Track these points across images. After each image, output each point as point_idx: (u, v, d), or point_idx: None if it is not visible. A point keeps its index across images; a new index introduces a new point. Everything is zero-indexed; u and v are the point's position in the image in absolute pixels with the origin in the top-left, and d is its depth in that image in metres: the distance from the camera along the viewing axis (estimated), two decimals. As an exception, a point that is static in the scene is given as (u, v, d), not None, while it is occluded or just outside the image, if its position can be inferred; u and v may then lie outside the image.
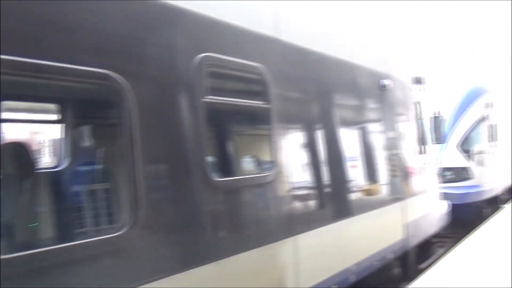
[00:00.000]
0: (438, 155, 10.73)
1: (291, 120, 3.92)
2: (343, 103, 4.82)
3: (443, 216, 7.49)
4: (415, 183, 6.35)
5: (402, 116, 6.22)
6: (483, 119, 11.73)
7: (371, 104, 5.45)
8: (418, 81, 6.94)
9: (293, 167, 3.86)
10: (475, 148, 11.34)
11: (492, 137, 11.68)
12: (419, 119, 6.88)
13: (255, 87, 3.61)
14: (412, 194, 6.16)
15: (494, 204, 12.16)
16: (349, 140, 4.82)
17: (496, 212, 11.36)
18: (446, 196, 9.98)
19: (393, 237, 5.56)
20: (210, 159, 3.09)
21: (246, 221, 3.34)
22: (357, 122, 5.11)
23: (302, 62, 4.16)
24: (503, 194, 13.09)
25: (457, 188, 10.50)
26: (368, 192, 5.13)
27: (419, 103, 6.98)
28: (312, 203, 4.14)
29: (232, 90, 3.48)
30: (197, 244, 2.92)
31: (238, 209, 3.28)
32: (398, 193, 5.75)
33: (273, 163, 3.59)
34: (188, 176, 2.93)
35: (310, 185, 4.13)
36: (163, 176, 2.78)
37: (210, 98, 3.09)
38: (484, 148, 11.55)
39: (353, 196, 4.80)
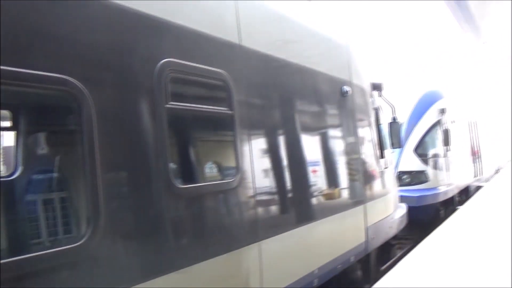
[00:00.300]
0: (396, 159, 11.07)
1: (254, 126, 3.92)
2: (305, 109, 4.88)
3: (402, 219, 7.69)
4: (375, 186, 6.49)
5: (363, 122, 6.35)
6: (437, 124, 12.17)
7: (333, 110, 5.54)
8: (376, 87, 7.12)
9: (257, 173, 3.86)
10: (431, 152, 11.76)
11: (446, 141, 12.14)
12: (378, 125, 7.05)
13: (218, 93, 3.60)
14: (373, 198, 6.29)
15: (450, 205, 12.63)
16: (311, 146, 4.88)
17: (452, 214, 11.79)
18: (404, 199, 10.30)
19: (355, 240, 5.65)
20: (173, 165, 3.04)
21: (210, 228, 3.30)
22: (320, 128, 5.18)
23: (264, 68, 4.18)
24: (458, 196, 13.61)
25: (414, 191, 10.84)
26: (330, 196, 5.20)
27: (378, 108, 7.17)
28: (276, 208, 4.16)
29: (195, 96, 3.45)
30: (160, 253, 2.86)
31: (202, 216, 3.24)
32: (359, 197, 5.86)
33: (237, 169, 3.57)
34: (150, 183, 2.87)
35: (274, 190, 4.14)
36: (124, 184, 2.71)
37: (173, 104, 3.05)
38: (439, 152, 11.98)
39: (316, 201, 4.85)
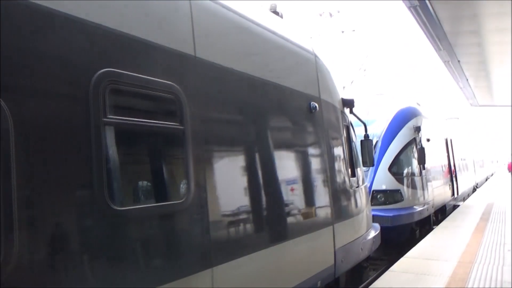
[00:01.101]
0: (371, 178, 10.90)
1: (210, 143, 3.65)
2: (269, 125, 4.62)
3: (375, 240, 7.45)
4: (345, 206, 6.26)
5: (332, 139, 6.15)
6: (412, 142, 12.09)
7: (299, 127, 5.32)
8: (347, 103, 6.95)
9: (211, 193, 3.58)
10: (406, 170, 11.64)
11: (421, 159, 12.04)
12: (349, 142, 6.86)
13: (167, 107, 3.33)
14: (342, 218, 6.05)
15: (426, 225, 12.50)
16: (275, 164, 4.62)
17: (428, 233, 11.65)
18: (378, 219, 10.10)
19: (322, 263, 5.38)
20: (110, 185, 2.75)
21: (152, 254, 3.00)
22: (284, 145, 4.93)
23: (223, 82, 3.93)
24: (434, 215, 13.50)
25: (389, 210, 10.66)
26: (294, 218, 4.93)
27: (349, 125, 6.99)
28: (232, 231, 3.86)
29: (140, 110, 3.17)
30: (95, 283, 2.55)
31: (143, 240, 2.94)
32: (327, 218, 5.60)
33: (187, 189, 3.29)
34: (82, 205, 2.57)
35: (231, 212, 3.86)
36: (49, 205, 2.40)
37: (113, 118, 2.77)
38: (414, 170, 11.87)
39: (278, 222, 4.57)
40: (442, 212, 15.00)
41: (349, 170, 6.64)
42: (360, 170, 7.28)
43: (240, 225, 3.96)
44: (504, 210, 15.54)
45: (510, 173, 38.36)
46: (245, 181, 4.10)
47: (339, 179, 6.14)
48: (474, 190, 27.07)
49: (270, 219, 4.42)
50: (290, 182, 4.85)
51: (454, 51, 12.26)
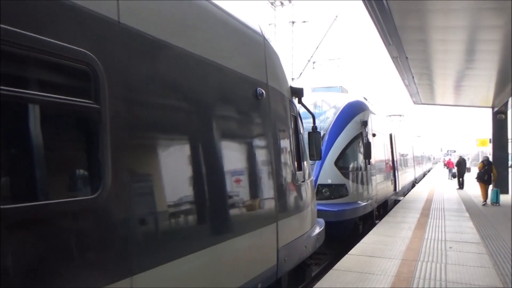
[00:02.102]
0: (315, 171, 10.63)
1: (134, 127, 3.04)
2: (206, 110, 4.05)
3: (319, 236, 7.12)
4: (290, 202, 5.84)
5: (278, 129, 5.69)
6: (359, 136, 11.97)
7: (242, 114, 4.79)
8: (296, 93, 6.53)
9: (134, 188, 2.99)
10: (351, 165, 11.48)
11: (367, 154, 11.95)
12: (297, 134, 6.45)
13: (77, 79, 2.69)
14: (287, 214, 5.63)
15: (369, 220, 12.46)
16: (214, 154, 4.08)
17: (371, 228, 11.60)
18: (322, 213, 9.85)
19: (264, 264, 4.92)
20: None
21: (51, 264, 2.38)
22: (224, 133, 4.37)
23: (154, 56, 3.33)
24: (377, 210, 13.52)
25: (333, 205, 10.44)
26: (236, 215, 4.43)
27: (297, 116, 6.57)
28: (159, 232, 3.28)
29: (38, 80, 2.50)
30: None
31: (38, 248, 2.31)
32: (270, 214, 5.15)
33: (102, 183, 2.68)
34: None
35: (156, 209, 3.26)
36: None
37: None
38: (359, 165, 11.75)
39: (213, 221, 4.03)
40: (384, 207, 15.13)
41: (296, 163, 6.22)
42: (307, 164, 6.90)
43: (169, 226, 3.37)
44: (442, 206, 15.93)
45: (447, 169, 40.11)
46: (176, 174, 3.52)
47: (284, 173, 5.70)
48: (413, 185, 27.93)
49: (205, 217, 3.87)
50: (230, 175, 4.32)
51: (402, 47, 12.23)
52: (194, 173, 3.73)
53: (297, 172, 6.16)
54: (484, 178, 17.21)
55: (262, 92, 5.01)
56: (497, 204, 16.60)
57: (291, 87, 6.43)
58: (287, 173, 5.77)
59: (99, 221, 2.69)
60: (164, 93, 3.46)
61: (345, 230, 10.95)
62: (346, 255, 7.79)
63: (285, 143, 5.83)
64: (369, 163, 12.33)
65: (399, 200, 18.38)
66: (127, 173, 2.92)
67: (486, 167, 17.32)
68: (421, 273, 6.58)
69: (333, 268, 6.95)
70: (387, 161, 16.33)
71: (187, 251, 3.47)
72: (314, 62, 18.26)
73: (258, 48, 5.32)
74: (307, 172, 6.81)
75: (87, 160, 2.72)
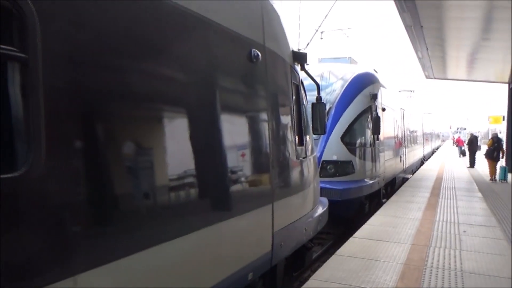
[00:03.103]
0: (320, 146, 9.95)
1: (83, 87, 2.38)
2: (188, 72, 3.35)
3: (322, 217, 6.51)
4: (289, 180, 5.19)
5: (277, 98, 4.99)
6: (367, 110, 11.22)
7: (235, 78, 4.10)
8: (299, 58, 5.79)
9: (81, 162, 2.34)
10: (359, 141, 10.78)
11: (376, 130, 11.21)
12: (298, 105, 5.74)
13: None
14: (284, 194, 4.98)
15: (376, 198, 11.83)
16: (195, 124, 3.41)
17: (378, 208, 11.00)
18: (326, 192, 9.22)
19: (257, 251, 4.30)
20: None
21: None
22: (212, 100, 3.70)
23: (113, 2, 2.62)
24: (384, 188, 12.87)
25: (338, 183, 9.79)
26: (224, 195, 3.78)
27: (299, 84, 5.85)
28: (116, 217, 2.63)
29: None
30: None
31: None
32: (265, 195, 4.50)
33: (32, 156, 2.04)
34: None
35: (115, 188, 2.62)
36: None
37: None
38: (367, 141, 11.05)
39: (197, 202, 3.38)
40: (391, 185, 14.47)
41: (297, 137, 5.54)
42: (309, 138, 6.22)
43: (130, 209, 2.71)
44: (453, 185, 15.25)
45: (457, 147, 39.37)
46: (142, 147, 2.87)
47: (282, 147, 5.03)
48: (421, 163, 27.21)
49: (180, 200, 3.20)
50: (215, 149, 3.64)
51: (418, 13, 11.31)
52: (166, 146, 3.05)
53: (298, 147, 5.49)
54: (493, 155, 17.33)
55: (258, 54, 4.29)
56: (505, 181, 16.62)
57: (293, 51, 5.69)
58: (285, 148, 5.10)
59: (27, 207, 2.05)
60: (128, 48, 2.75)
61: (351, 210, 10.34)
62: (351, 238, 7.17)
63: (284, 114, 5.14)
64: (378, 139, 11.62)
65: (408, 178, 17.71)
66: (69, 144, 2.26)
67: (496, 144, 17.47)
68: (433, 261, 5.95)
69: (336, 253, 6.34)
70: (396, 137, 15.59)
71: (159, 239, 2.84)
72: (322, 32, 17.33)
73: (253, 3, 4.57)
74: (309, 147, 6.14)
75: (12, 127, 2.06)
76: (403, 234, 7.49)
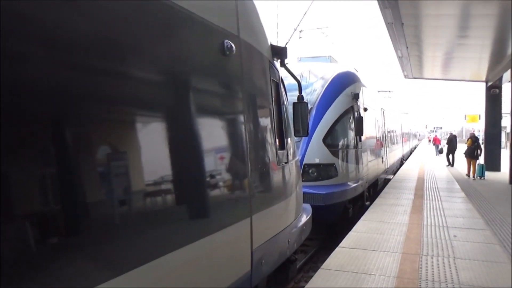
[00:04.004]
0: (301, 149, 9.45)
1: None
2: (143, 63, 2.76)
3: (305, 227, 5.98)
4: (269, 189, 4.64)
5: (256, 97, 4.45)
6: (350, 111, 10.78)
7: (204, 73, 3.51)
8: (278, 52, 5.25)
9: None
10: (341, 142, 10.32)
11: (359, 130, 10.77)
12: (278, 104, 5.20)
13: None
14: (266, 205, 4.44)
15: (359, 201, 11.39)
16: (155, 127, 2.82)
17: (361, 211, 10.56)
18: (309, 197, 8.72)
19: (233, 273, 3.74)
20: None
21: None
22: (177, 99, 3.11)
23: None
24: (367, 190, 12.46)
25: (321, 187, 9.30)
26: (191, 212, 3.19)
27: (279, 82, 5.31)
28: (42, 244, 2.03)
29: None
30: None
31: None
32: (245, 206, 3.94)
33: None
34: None
35: (60, 201, 2.02)
36: None
37: None
38: (350, 142, 10.60)
39: (162, 221, 2.78)
40: (374, 187, 14.09)
41: (277, 140, 5.00)
42: (291, 141, 5.69)
43: (70, 235, 2.11)
44: (436, 186, 14.96)
45: (433, 146, 39.75)
46: (98, 150, 2.27)
47: (262, 152, 4.48)
48: (401, 163, 27.07)
49: (136, 220, 2.60)
50: (179, 158, 3.05)
51: (399, 10, 10.95)
52: (119, 153, 2.46)
53: (279, 152, 4.94)
54: (473, 154, 18.00)
55: (231, 46, 3.72)
56: (483, 178, 17.35)
57: (271, 45, 5.15)
58: (264, 154, 4.55)
59: None
60: (74, 35, 2.16)
61: (335, 215, 9.86)
62: (337, 248, 6.65)
63: (262, 115, 4.59)
64: (360, 140, 11.19)
65: (389, 179, 17.39)
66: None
67: (476, 144, 18.14)
68: (427, 272, 5.46)
69: (322, 266, 5.79)
70: (378, 138, 15.24)
71: (122, 268, 2.25)
72: (301, 31, 16.88)
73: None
74: (291, 151, 5.60)
75: None
76: (392, 242, 7.01)
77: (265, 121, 4.62)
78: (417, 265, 5.75)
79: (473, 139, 18.22)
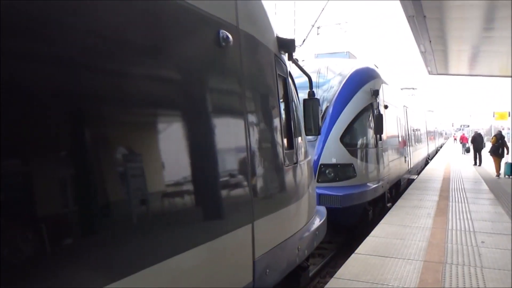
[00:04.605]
0: (317, 149, 9.04)
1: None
2: (137, 62, 2.44)
3: (319, 232, 5.58)
4: (276, 192, 4.29)
5: (259, 93, 4.10)
6: (369, 108, 10.31)
7: (198, 67, 3.17)
8: (285, 45, 4.87)
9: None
10: (360, 141, 9.86)
11: (378, 129, 10.29)
12: (287, 101, 4.84)
13: None
14: (271, 210, 4.08)
15: (379, 203, 10.91)
16: (148, 128, 2.51)
17: (382, 213, 10.07)
18: (325, 198, 8.33)
19: (233, 284, 3.41)
20: None
21: None
22: (170, 96, 2.78)
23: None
24: (389, 191, 11.94)
25: (338, 189, 8.86)
26: (186, 218, 2.86)
27: (287, 78, 4.94)
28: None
29: None
30: None
31: None
32: (246, 211, 3.60)
33: None
34: None
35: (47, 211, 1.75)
36: None
37: None
38: (369, 141, 10.13)
39: (153, 228, 2.46)
40: (396, 187, 13.54)
41: (285, 140, 4.63)
42: (302, 140, 5.31)
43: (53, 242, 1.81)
44: (462, 186, 14.29)
45: (460, 144, 38.68)
46: (86, 157, 1.99)
47: (266, 153, 4.11)
48: (426, 162, 26.27)
49: (134, 223, 2.28)
50: (173, 159, 2.72)
51: (421, 2, 10.40)
52: (123, 156, 2.20)
53: (286, 152, 4.57)
54: (498, 152, 17.53)
55: (227, 37, 3.37)
56: (511, 177, 16.76)
57: (277, 37, 4.78)
58: (269, 154, 4.19)
59: None
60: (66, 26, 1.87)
61: (353, 217, 9.42)
62: (353, 255, 6.22)
63: (266, 112, 4.22)
64: (380, 138, 10.70)
65: (413, 179, 16.76)
66: None
67: (500, 141, 17.83)
68: (451, 283, 4.99)
69: (335, 275, 5.39)
70: (400, 136, 14.67)
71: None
72: (318, 28, 16.41)
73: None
74: (302, 151, 5.22)
75: None
76: (412, 248, 6.54)
77: (270, 119, 4.26)
78: (440, 275, 5.28)
79: (498, 136, 17.97)
